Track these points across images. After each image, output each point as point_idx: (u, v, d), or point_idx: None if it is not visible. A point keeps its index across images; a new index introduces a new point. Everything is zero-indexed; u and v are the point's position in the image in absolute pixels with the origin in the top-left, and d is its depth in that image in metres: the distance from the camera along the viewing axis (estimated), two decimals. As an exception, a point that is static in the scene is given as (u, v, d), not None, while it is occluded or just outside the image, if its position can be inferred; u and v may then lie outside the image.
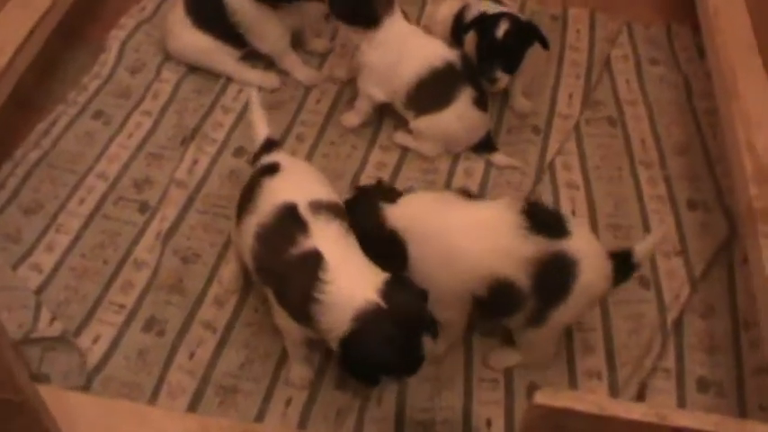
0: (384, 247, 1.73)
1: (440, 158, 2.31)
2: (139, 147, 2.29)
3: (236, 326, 1.92)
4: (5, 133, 2.26)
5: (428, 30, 2.48)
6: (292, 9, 2.41)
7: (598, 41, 2.71)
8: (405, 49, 2.20)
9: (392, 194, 1.83)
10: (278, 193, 1.73)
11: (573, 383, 1.85)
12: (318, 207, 1.69)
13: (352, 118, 2.37)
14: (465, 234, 1.70)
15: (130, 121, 2.36)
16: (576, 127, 2.41)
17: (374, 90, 2.27)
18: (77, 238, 2.07)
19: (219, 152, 2.29)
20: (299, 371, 1.83)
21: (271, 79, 2.49)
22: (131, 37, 2.60)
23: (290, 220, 1.67)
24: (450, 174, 2.28)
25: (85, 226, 2.09)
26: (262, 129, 1.93)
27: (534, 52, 2.35)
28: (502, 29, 2.22)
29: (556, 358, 1.88)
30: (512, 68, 2.30)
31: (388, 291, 1.58)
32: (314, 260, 1.61)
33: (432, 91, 2.21)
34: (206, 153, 2.28)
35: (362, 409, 1.79)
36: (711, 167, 2.31)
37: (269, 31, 2.44)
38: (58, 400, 1.44)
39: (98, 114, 2.37)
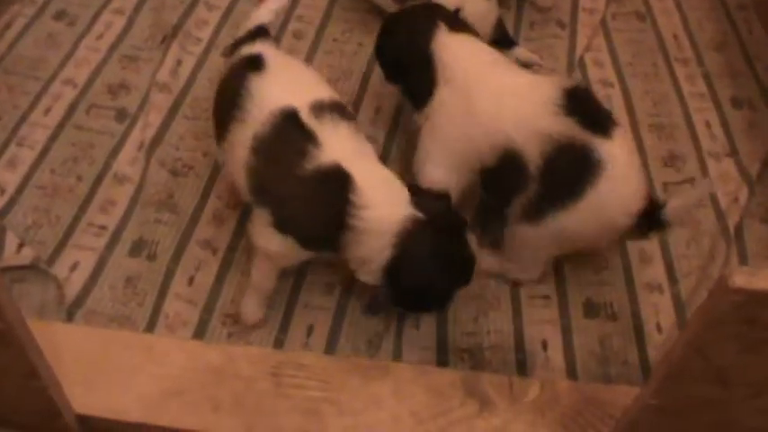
0: (414, 71, 1.62)
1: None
2: (112, 48, 2.04)
3: (240, 246, 1.67)
4: (-48, 38, 1.99)
5: None
6: None
7: (616, -68, 2.50)
8: None
9: (455, 22, 1.64)
10: (272, 94, 1.45)
11: (633, 298, 1.65)
12: (321, 109, 1.42)
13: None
14: (495, 92, 1.54)
15: (99, 20, 2.11)
16: (603, 22, 2.24)
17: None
18: (44, 151, 1.81)
19: (206, 52, 2.05)
20: (253, 306, 1.55)
21: None
22: (94, -73, 2.32)
23: (294, 130, 1.40)
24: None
25: (53, 138, 1.84)
26: (263, 13, 1.63)
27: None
28: None
29: (611, 272, 1.68)
30: None
31: (419, 201, 1.39)
32: (338, 179, 1.36)
33: None
34: (191, 53, 2.04)
35: (398, 335, 1.55)
36: (751, 64, 2.16)
37: None
38: (43, 331, 1.17)
39: (60, 14, 2.12)
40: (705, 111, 2.03)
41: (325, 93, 1.47)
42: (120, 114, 1.89)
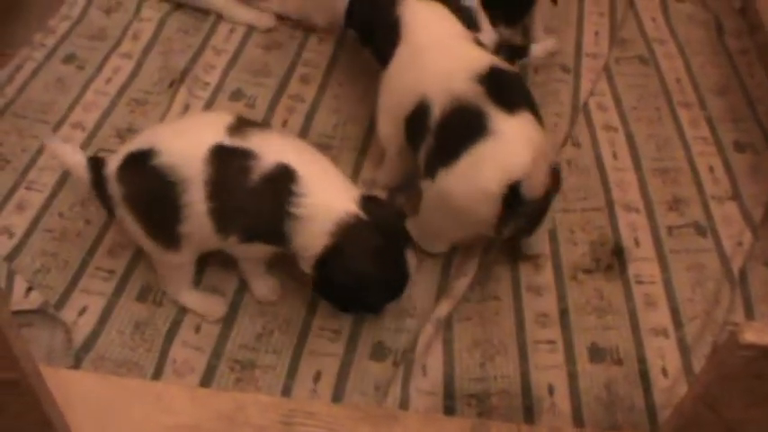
0: (381, 32, 1.77)
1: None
2: (120, 92, 2.06)
3: (248, 291, 1.68)
4: (-38, 81, 2.00)
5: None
6: None
7: (619, -22, 2.55)
8: None
9: None
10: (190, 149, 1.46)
11: (638, 342, 1.65)
12: (239, 127, 1.48)
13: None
14: (438, 50, 1.68)
15: (108, 64, 2.13)
16: (607, 66, 2.25)
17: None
18: (53, 195, 1.82)
19: (214, 96, 2.07)
20: (263, 285, 1.66)
21: (265, 18, 2.25)
22: (103, -27, 2.35)
23: (230, 158, 1.45)
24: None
25: (62, 182, 1.84)
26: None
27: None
28: None
29: (617, 316, 1.69)
30: (515, 20, 2.15)
31: (366, 204, 1.46)
32: (280, 173, 1.44)
33: None
34: (199, 98, 2.05)
35: (405, 381, 1.55)
36: (754, 108, 2.18)
37: None
38: (52, 377, 1.17)
39: (70, 58, 2.13)
40: (708, 155, 2.04)
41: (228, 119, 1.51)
42: None
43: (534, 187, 1.47)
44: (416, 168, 1.68)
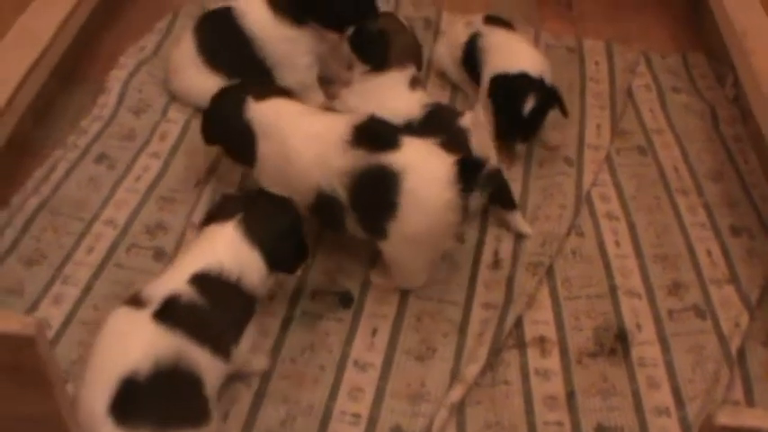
0: (237, 137, 1.89)
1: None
2: (149, 190, 2.14)
3: (272, 377, 1.75)
4: (0, 180, 2.09)
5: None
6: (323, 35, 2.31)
7: (618, 72, 2.65)
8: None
9: (264, 93, 1.91)
10: None
11: (642, 422, 1.72)
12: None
13: None
14: (302, 140, 1.79)
15: (137, 163, 2.21)
16: (608, 157, 2.34)
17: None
18: (88, 289, 1.90)
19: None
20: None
21: None
22: (133, 77, 2.45)
23: None
24: (486, 209, 2.14)
25: (96, 276, 1.93)
26: None
27: (555, 83, 2.27)
28: (529, 105, 2.15)
29: (621, 398, 1.75)
30: (531, 136, 2.25)
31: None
32: None
33: None
34: None
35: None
36: (749, 193, 2.25)
37: (299, 62, 2.32)
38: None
39: (101, 158, 2.22)
40: (706, 240, 2.11)
41: None
42: (158, 253, 1.97)
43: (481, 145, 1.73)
44: None
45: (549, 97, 2.19)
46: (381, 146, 1.72)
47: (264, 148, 1.85)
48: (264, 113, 1.86)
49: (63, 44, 2.24)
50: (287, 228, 1.69)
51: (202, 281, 1.56)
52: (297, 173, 1.79)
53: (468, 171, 1.71)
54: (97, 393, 1.42)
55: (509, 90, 2.18)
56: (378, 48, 2.14)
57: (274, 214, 1.69)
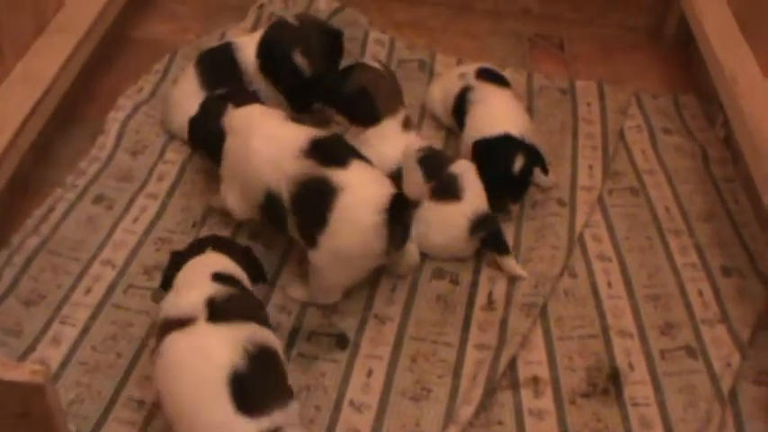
0: (211, 137, 2.06)
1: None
2: (147, 231, 2.16)
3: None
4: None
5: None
6: None
7: (610, 113, 2.67)
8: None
9: (244, 100, 2.09)
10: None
11: (637, 463, 1.73)
12: None
13: None
14: (263, 141, 1.93)
15: (135, 204, 2.24)
16: (600, 198, 2.36)
17: None
18: (86, 329, 1.92)
19: (234, 236, 2.16)
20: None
21: None
22: (131, 118, 2.48)
23: None
24: (479, 251, 2.16)
25: (94, 317, 1.94)
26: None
27: (547, 124, 2.33)
28: (518, 165, 2.17)
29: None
30: (521, 197, 2.27)
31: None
32: None
33: None
34: None
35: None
36: (738, 233, 2.27)
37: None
38: None
39: (99, 198, 2.24)
40: (697, 280, 2.12)
41: None
42: (156, 295, 1.97)
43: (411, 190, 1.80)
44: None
45: (532, 156, 2.21)
46: (330, 161, 1.84)
47: (230, 144, 2.01)
48: (239, 115, 2.03)
49: (63, 86, 2.26)
50: (244, 249, 1.85)
51: (222, 279, 1.68)
52: (252, 170, 1.92)
53: (399, 206, 1.81)
54: (218, 405, 1.48)
55: (490, 153, 2.19)
56: (364, 107, 2.18)
57: (231, 243, 1.87)
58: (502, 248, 2.10)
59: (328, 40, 2.40)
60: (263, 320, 1.66)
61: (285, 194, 1.86)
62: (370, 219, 1.79)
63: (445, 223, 2.08)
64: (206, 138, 2.11)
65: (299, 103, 2.33)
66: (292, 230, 1.92)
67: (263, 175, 1.90)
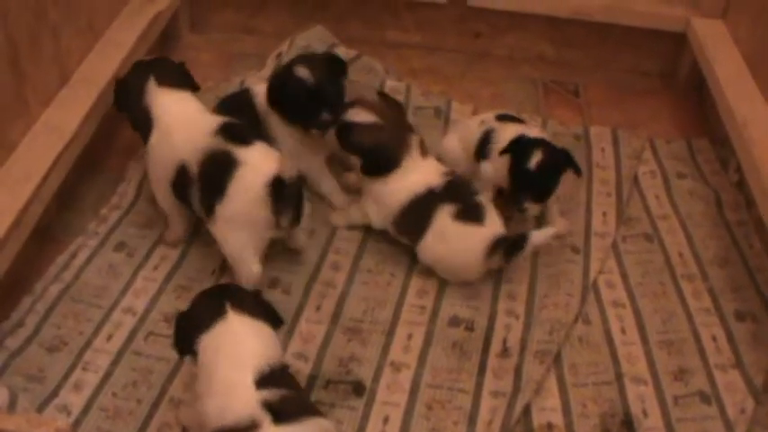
0: (140, 115, 2.22)
1: (482, 282, 2.23)
2: (167, 279, 2.20)
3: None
4: (23, 267, 2.13)
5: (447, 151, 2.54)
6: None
7: (624, 158, 2.70)
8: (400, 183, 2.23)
9: (169, 79, 2.26)
10: None
11: None
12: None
13: (339, 219, 2.40)
14: (181, 121, 2.17)
15: (155, 252, 2.27)
16: (614, 245, 2.38)
17: (373, 214, 2.30)
18: (107, 376, 1.95)
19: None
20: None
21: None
22: (152, 167, 2.51)
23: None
24: (495, 298, 2.20)
25: (115, 363, 1.97)
26: None
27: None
28: (534, 160, 2.20)
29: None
30: (543, 198, 2.28)
31: None
32: None
33: (413, 217, 2.21)
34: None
35: None
36: (753, 278, 2.28)
37: (300, 148, 2.38)
38: None
39: (120, 246, 2.28)
40: (711, 325, 2.14)
41: None
42: None
43: (287, 171, 1.96)
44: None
45: (560, 157, 2.25)
46: (236, 139, 2.06)
47: (156, 131, 2.18)
48: (162, 102, 2.21)
49: (86, 136, 2.31)
50: (256, 297, 1.84)
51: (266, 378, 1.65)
52: (171, 145, 2.13)
53: (278, 184, 1.98)
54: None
55: (520, 147, 2.24)
56: (387, 160, 2.23)
57: (243, 296, 1.81)
58: (520, 244, 2.14)
59: (329, 58, 2.45)
60: (315, 410, 1.67)
61: (194, 166, 2.06)
62: (258, 190, 1.98)
63: (465, 244, 2.15)
64: (133, 112, 2.27)
65: (309, 118, 2.31)
66: (197, 207, 2.10)
67: (179, 150, 2.10)
